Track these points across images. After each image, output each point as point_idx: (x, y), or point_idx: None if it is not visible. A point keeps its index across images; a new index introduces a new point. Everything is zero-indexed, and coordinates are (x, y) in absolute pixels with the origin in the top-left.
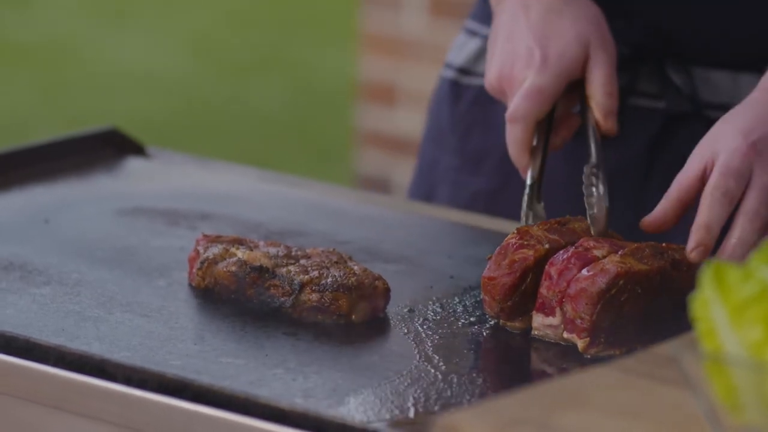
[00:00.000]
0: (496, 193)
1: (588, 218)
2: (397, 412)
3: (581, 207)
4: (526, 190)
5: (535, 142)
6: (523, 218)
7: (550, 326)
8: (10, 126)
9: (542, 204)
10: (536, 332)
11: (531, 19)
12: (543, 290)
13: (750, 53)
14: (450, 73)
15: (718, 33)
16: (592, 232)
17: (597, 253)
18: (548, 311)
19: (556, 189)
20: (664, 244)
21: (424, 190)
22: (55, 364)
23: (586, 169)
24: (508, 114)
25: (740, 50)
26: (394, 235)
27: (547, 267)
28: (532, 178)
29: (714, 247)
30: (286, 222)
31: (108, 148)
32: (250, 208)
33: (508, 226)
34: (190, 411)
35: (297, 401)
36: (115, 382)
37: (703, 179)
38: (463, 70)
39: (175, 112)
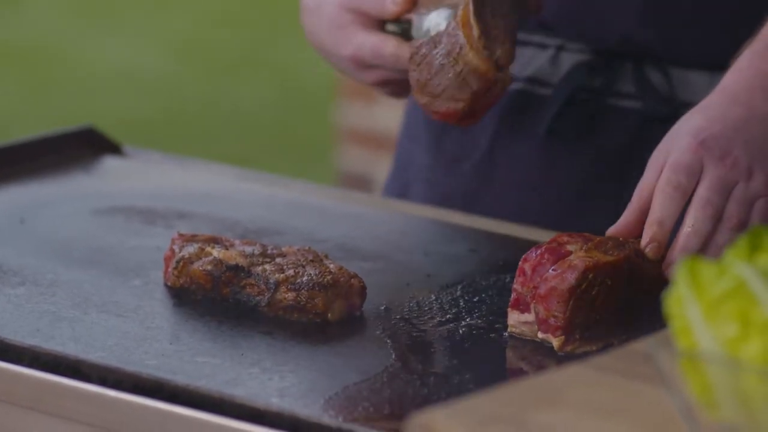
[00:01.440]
0: (472, 195)
1: None
2: (372, 410)
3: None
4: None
5: None
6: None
7: (525, 323)
8: None
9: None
10: (512, 330)
11: None
12: (517, 286)
13: (726, 54)
14: None
15: (695, 36)
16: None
17: (570, 247)
18: (523, 308)
19: (533, 191)
20: (621, 238)
21: (399, 186)
22: (30, 365)
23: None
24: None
25: (716, 51)
26: (371, 233)
27: (520, 263)
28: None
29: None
30: (264, 220)
31: (84, 147)
32: (227, 207)
33: (485, 224)
34: (165, 411)
35: (273, 401)
36: (90, 382)
37: None
38: None
39: (158, 112)
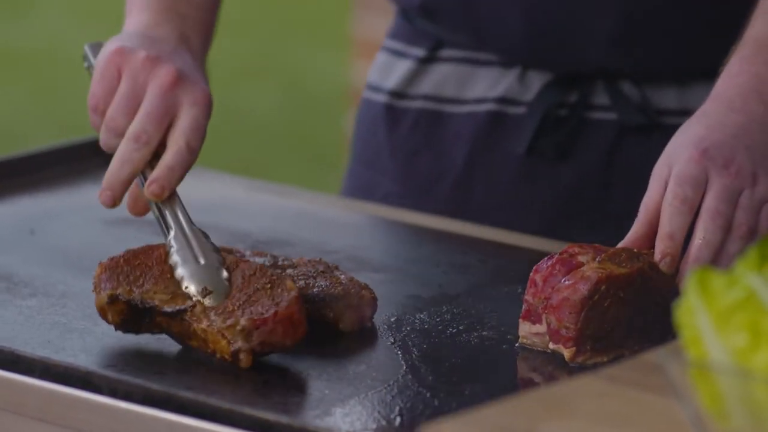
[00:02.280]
0: (452, 216)
1: None
2: (383, 422)
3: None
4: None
5: None
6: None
7: (537, 334)
8: (4, 134)
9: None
10: (523, 340)
11: None
12: (528, 297)
13: (694, 68)
14: (381, 97)
15: (664, 56)
16: None
17: (581, 258)
18: (534, 319)
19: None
20: (635, 249)
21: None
22: (41, 377)
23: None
24: (133, 134)
25: (685, 66)
26: (382, 244)
27: (531, 274)
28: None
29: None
30: (274, 231)
31: (95, 157)
32: (237, 218)
33: (496, 235)
34: (175, 423)
35: (283, 412)
36: (101, 394)
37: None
38: (397, 94)
39: None
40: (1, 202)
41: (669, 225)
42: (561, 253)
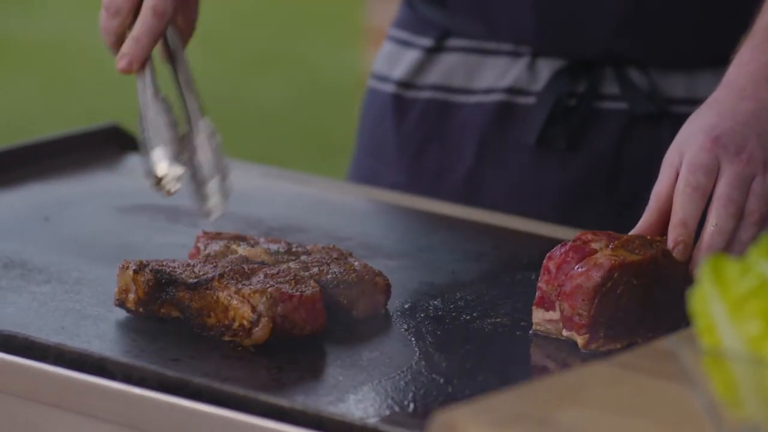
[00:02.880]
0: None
1: None
2: (397, 408)
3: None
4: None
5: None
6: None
7: (550, 321)
8: (16, 124)
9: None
10: (537, 327)
11: None
12: (542, 285)
13: (704, 55)
14: (388, 87)
15: (673, 41)
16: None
17: (595, 245)
18: (548, 306)
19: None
20: (648, 237)
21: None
22: (55, 363)
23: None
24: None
25: (694, 52)
26: (395, 231)
27: (545, 261)
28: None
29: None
30: (287, 218)
31: (109, 145)
32: (251, 205)
33: (509, 222)
34: (189, 409)
35: (297, 398)
36: (115, 380)
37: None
38: (405, 84)
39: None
40: (16, 190)
41: (681, 212)
42: (574, 240)
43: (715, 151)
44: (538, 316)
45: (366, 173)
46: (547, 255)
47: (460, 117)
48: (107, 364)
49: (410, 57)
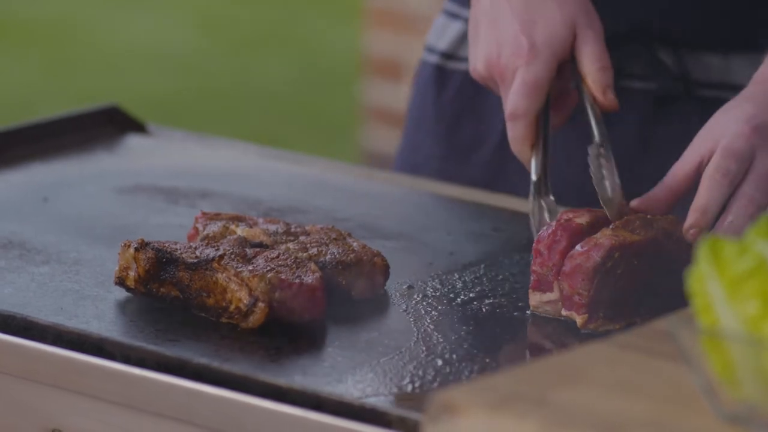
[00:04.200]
0: (490, 183)
1: (600, 200)
2: (395, 389)
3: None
4: (532, 187)
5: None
6: (532, 216)
7: (548, 302)
8: (17, 104)
9: (552, 197)
10: (535, 310)
11: (514, 4)
12: (536, 268)
13: (738, 38)
14: (433, 58)
15: (706, 20)
16: (609, 215)
17: (578, 221)
18: (545, 287)
19: (567, 180)
20: (649, 216)
21: (407, 171)
22: (54, 343)
23: (591, 150)
24: (507, 113)
25: (728, 34)
26: (394, 212)
27: (534, 245)
28: (537, 173)
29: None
30: (286, 199)
31: (108, 125)
32: (250, 186)
33: (508, 202)
34: (189, 389)
35: (295, 378)
36: (114, 360)
37: (699, 170)
38: (448, 55)
39: (181, 89)
40: (15, 170)
41: (705, 197)
42: (558, 219)
43: (752, 140)
44: (536, 299)
45: (409, 144)
46: (536, 238)
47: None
48: (106, 344)
49: (455, 29)
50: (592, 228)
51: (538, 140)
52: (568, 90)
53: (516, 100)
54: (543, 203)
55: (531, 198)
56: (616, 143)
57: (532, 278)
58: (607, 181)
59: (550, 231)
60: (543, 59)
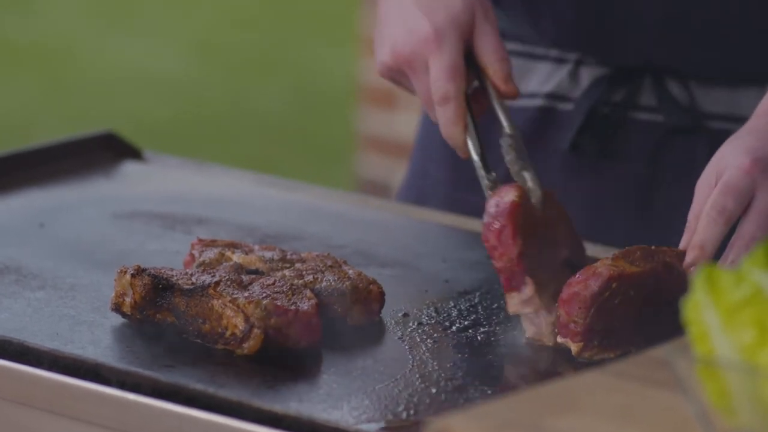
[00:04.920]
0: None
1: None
2: (390, 416)
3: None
4: (479, 164)
5: None
6: (487, 190)
7: (526, 302)
8: (12, 128)
9: (494, 173)
10: (517, 313)
11: None
12: (498, 263)
13: (747, 71)
14: None
15: (713, 54)
16: (533, 201)
17: (508, 198)
18: (517, 283)
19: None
20: (653, 247)
21: (414, 197)
22: (50, 368)
23: (503, 141)
24: (438, 98)
25: (736, 67)
26: (390, 239)
27: (484, 243)
28: (477, 152)
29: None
30: (282, 226)
31: (105, 151)
32: (246, 212)
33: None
34: (184, 415)
35: (291, 405)
36: (110, 386)
37: None
38: None
39: (176, 114)
40: (12, 195)
41: (702, 234)
42: (487, 208)
43: (754, 174)
44: (513, 302)
45: (417, 170)
46: (482, 239)
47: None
48: (102, 369)
49: None
50: (525, 199)
51: (468, 123)
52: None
53: (442, 84)
54: (489, 181)
55: (482, 176)
56: (624, 174)
57: (501, 278)
58: (525, 171)
59: (488, 221)
60: (451, 42)
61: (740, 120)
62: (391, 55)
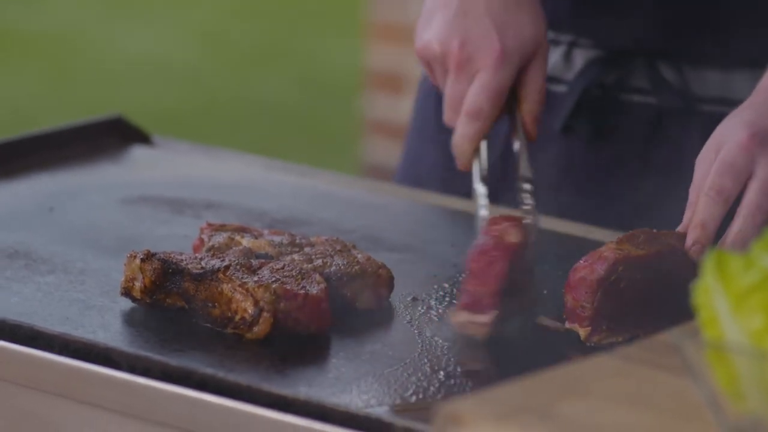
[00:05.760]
0: (492, 193)
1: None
2: (399, 400)
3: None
4: (480, 181)
5: None
6: (482, 211)
7: (478, 324)
8: (20, 116)
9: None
10: (459, 328)
11: (492, 5)
12: (470, 288)
13: (740, 54)
14: None
15: (707, 36)
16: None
17: (513, 239)
18: (479, 310)
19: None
20: (655, 230)
21: (410, 181)
22: (60, 353)
23: (519, 183)
24: (469, 110)
25: (729, 50)
26: (398, 224)
27: (469, 260)
28: (483, 171)
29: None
30: (291, 210)
31: (113, 136)
32: (254, 197)
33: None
34: (193, 399)
35: (300, 389)
36: (120, 370)
37: None
38: None
39: (183, 102)
40: (21, 180)
41: (702, 214)
42: (491, 233)
43: (752, 149)
44: (462, 317)
45: (413, 153)
46: (470, 252)
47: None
48: (112, 354)
49: None
50: (524, 243)
51: (481, 146)
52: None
53: (481, 101)
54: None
55: (480, 195)
56: (619, 156)
57: (463, 296)
58: (531, 215)
59: (484, 247)
60: (511, 66)
61: (733, 103)
62: (442, 46)
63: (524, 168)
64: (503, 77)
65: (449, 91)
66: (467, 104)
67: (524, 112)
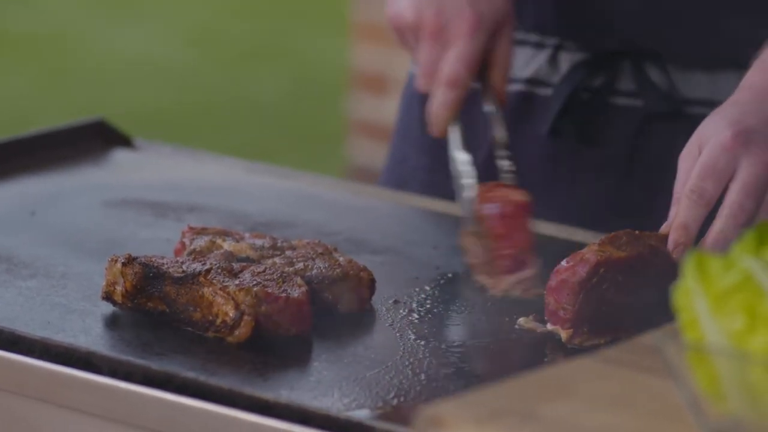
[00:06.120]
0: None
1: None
2: (381, 403)
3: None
4: (466, 160)
5: None
6: (468, 188)
7: (521, 281)
8: (10, 117)
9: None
10: (504, 291)
11: None
12: (506, 251)
13: (726, 56)
14: None
15: (693, 38)
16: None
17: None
18: (518, 267)
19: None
20: (637, 232)
21: (395, 182)
22: (41, 357)
23: (496, 149)
24: (448, 78)
25: (715, 52)
26: (381, 226)
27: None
28: (461, 144)
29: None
30: (274, 213)
31: (95, 139)
32: (237, 200)
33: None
34: (175, 403)
35: (282, 392)
36: (101, 374)
37: None
38: None
39: (173, 102)
40: (3, 183)
41: (684, 215)
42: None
43: (734, 149)
44: (508, 282)
45: (397, 156)
46: (487, 229)
47: (482, 104)
48: (93, 358)
49: None
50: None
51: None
52: None
53: (458, 69)
54: (473, 179)
55: (463, 174)
56: (604, 160)
57: (501, 264)
58: (512, 176)
59: (503, 211)
60: (485, 34)
61: (719, 104)
62: (415, 13)
63: (500, 133)
64: (478, 45)
65: (423, 58)
66: (445, 73)
67: (496, 77)
